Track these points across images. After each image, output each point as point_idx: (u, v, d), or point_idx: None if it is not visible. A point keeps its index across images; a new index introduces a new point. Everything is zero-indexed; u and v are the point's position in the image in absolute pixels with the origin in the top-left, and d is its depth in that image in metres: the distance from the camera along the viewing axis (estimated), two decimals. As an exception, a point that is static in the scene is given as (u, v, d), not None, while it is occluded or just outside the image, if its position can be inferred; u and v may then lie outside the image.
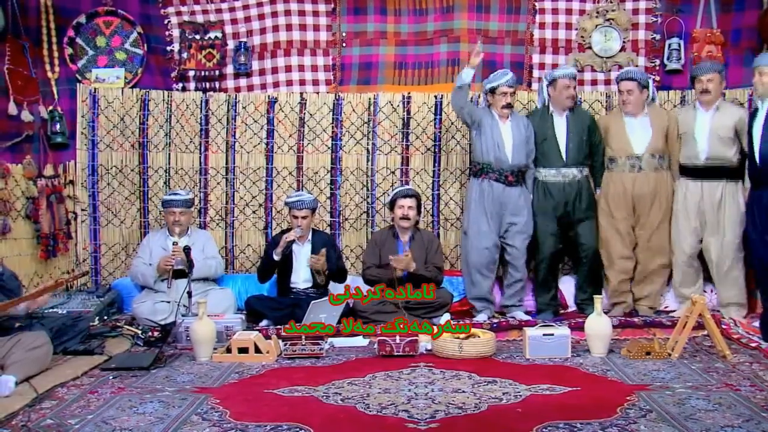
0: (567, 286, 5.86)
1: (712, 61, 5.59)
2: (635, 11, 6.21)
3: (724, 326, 5.00)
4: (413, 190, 5.70)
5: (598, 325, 4.54)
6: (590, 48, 6.22)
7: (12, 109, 5.67)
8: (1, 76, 5.63)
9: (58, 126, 6.08)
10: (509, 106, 5.47)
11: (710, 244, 5.39)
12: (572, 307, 5.78)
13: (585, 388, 3.82)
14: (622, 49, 6.20)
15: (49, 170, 6.03)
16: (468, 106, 5.48)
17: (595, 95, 6.19)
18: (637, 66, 6.10)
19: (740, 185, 5.32)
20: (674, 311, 5.52)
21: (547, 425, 3.22)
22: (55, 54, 6.15)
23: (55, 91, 6.15)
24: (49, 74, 6.13)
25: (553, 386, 3.83)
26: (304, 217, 5.50)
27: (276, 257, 5.47)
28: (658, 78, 6.14)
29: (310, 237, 5.63)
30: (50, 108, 6.08)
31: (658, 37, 6.18)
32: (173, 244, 5.42)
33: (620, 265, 5.55)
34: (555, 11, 6.25)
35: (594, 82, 6.25)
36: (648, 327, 5.16)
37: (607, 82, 6.18)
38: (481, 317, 5.46)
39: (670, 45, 6.11)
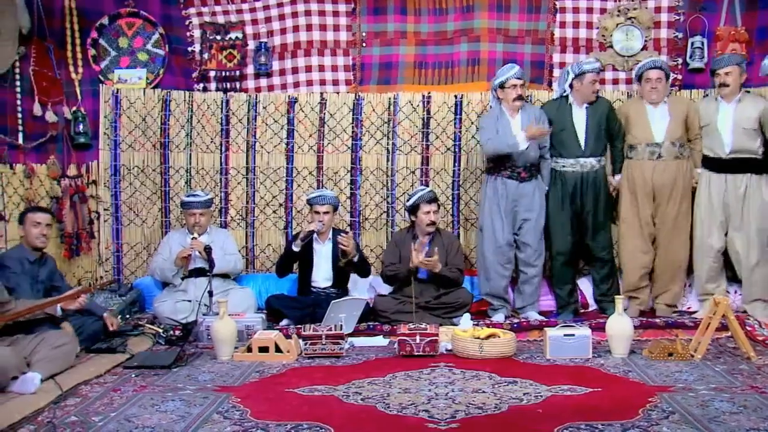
0: (587, 285, 5.82)
1: (731, 54, 5.53)
2: (657, 9, 6.14)
3: (748, 327, 4.93)
4: (434, 192, 5.67)
5: (620, 326, 4.52)
6: (611, 47, 6.16)
7: (37, 109, 5.74)
8: (27, 78, 5.70)
9: (81, 126, 6.14)
10: (520, 98, 5.45)
11: (735, 238, 5.34)
12: (593, 306, 5.74)
13: (606, 389, 3.81)
14: (644, 47, 6.13)
15: (72, 170, 6.09)
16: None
17: (617, 94, 6.13)
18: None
19: (764, 178, 5.27)
20: (696, 312, 5.47)
21: (568, 426, 3.22)
22: (79, 55, 6.20)
23: (78, 92, 6.20)
24: (73, 75, 6.19)
25: (574, 387, 3.82)
26: (325, 213, 5.51)
27: (295, 248, 5.49)
28: (680, 77, 6.10)
29: (330, 236, 5.63)
30: (74, 108, 6.13)
31: (680, 35, 6.11)
32: (192, 239, 5.47)
33: (639, 258, 5.50)
34: (576, 10, 6.20)
35: (615, 81, 6.20)
36: (670, 328, 5.12)
37: (629, 81, 6.11)
38: (498, 317, 5.44)
39: (693, 43, 6.04)
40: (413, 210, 5.53)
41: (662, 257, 5.52)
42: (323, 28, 6.33)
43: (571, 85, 5.50)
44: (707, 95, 5.92)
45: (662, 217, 5.47)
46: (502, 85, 5.48)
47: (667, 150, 5.41)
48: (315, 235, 5.56)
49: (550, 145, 5.55)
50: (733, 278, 5.51)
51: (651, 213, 5.49)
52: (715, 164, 5.37)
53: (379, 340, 4.97)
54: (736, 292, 5.51)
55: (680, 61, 6.12)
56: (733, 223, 5.33)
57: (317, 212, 5.52)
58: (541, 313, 5.57)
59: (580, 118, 5.49)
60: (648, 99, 5.45)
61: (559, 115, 5.52)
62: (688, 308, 5.61)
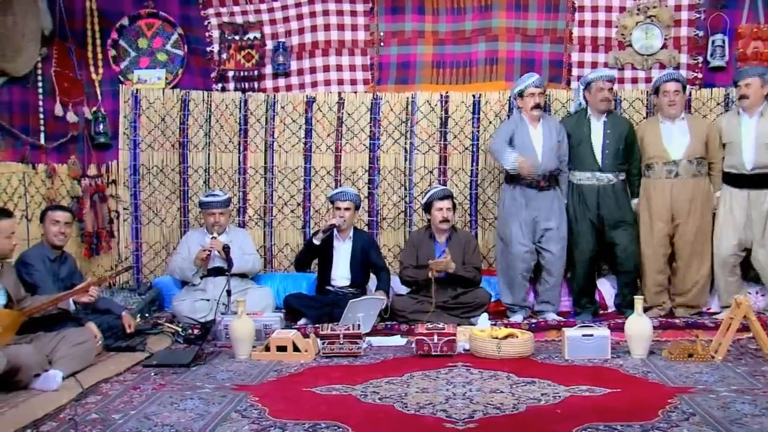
0: (606, 287, 5.78)
1: (751, 66, 5.47)
2: (677, 8, 6.07)
3: (770, 329, 4.87)
4: (448, 190, 5.67)
5: (639, 326, 4.48)
6: (630, 46, 6.09)
7: (58, 110, 5.79)
8: (48, 79, 5.75)
9: (101, 126, 6.19)
10: (538, 106, 5.43)
11: (758, 254, 5.26)
12: (611, 308, 5.69)
13: (625, 389, 3.78)
14: (664, 46, 6.07)
15: (92, 170, 6.14)
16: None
17: (636, 93, 6.09)
18: (679, 64, 6.01)
19: None
20: (717, 313, 5.41)
21: (586, 427, 3.19)
22: (99, 56, 6.26)
23: (98, 93, 6.25)
24: (93, 76, 6.24)
25: (593, 387, 3.80)
26: (347, 209, 5.53)
27: (316, 241, 5.50)
28: (700, 75, 6.03)
29: (351, 235, 5.64)
30: (94, 109, 6.19)
31: (701, 33, 6.03)
32: (211, 239, 5.49)
33: (655, 278, 5.47)
34: (594, 8, 6.15)
35: (634, 80, 6.14)
36: (690, 328, 5.07)
37: (648, 81, 6.03)
38: (516, 317, 5.43)
39: (713, 42, 5.96)
40: (428, 208, 5.54)
41: (683, 275, 5.47)
42: (341, 27, 6.33)
43: (586, 98, 5.50)
44: (728, 94, 5.86)
45: (682, 236, 5.41)
46: (521, 94, 5.45)
47: (685, 168, 5.35)
48: (336, 232, 5.57)
49: (568, 159, 5.52)
50: (755, 279, 5.45)
51: (668, 233, 5.43)
52: (737, 180, 5.29)
53: (397, 340, 4.96)
54: (757, 292, 5.45)
55: (700, 59, 6.05)
56: (757, 238, 5.24)
57: (338, 209, 5.53)
58: (559, 313, 5.54)
59: (597, 132, 5.45)
60: (666, 113, 5.39)
61: (577, 129, 5.49)
62: (708, 309, 5.55)
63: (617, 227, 5.45)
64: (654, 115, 5.73)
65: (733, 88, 5.37)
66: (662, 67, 5.98)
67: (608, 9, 6.15)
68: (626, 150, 5.46)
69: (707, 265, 5.44)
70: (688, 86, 5.75)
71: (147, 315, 5.49)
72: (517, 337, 4.57)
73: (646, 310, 5.14)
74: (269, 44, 6.38)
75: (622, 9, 6.12)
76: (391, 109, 6.26)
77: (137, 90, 6.32)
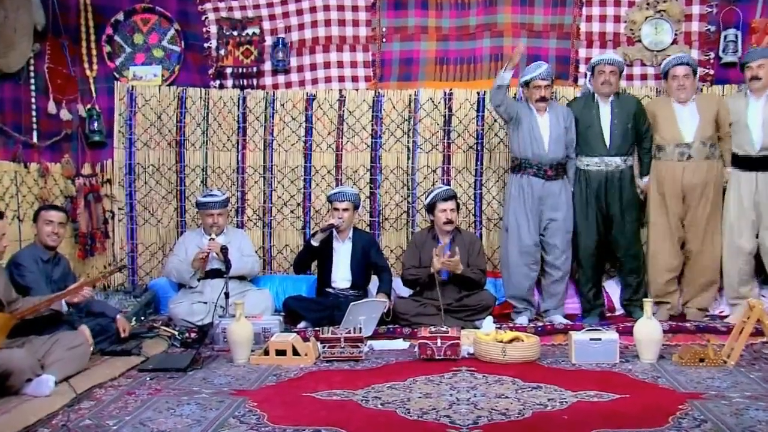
0: (614, 289, 5.71)
1: (763, 47, 5.41)
2: (688, 2, 5.99)
3: (784, 332, 4.78)
4: (452, 190, 5.60)
5: (648, 330, 4.42)
6: (640, 41, 6.02)
7: (51, 107, 5.74)
8: (42, 75, 5.69)
9: (95, 124, 6.13)
10: (543, 99, 5.35)
11: (765, 239, 5.18)
12: (620, 310, 5.62)
13: (634, 395, 3.74)
14: (674, 41, 5.99)
15: (87, 169, 6.10)
16: (506, 102, 5.35)
17: (645, 90, 6.00)
18: (689, 59, 5.94)
19: None
20: (728, 316, 5.33)
21: (594, 434, 3.15)
22: (94, 52, 6.20)
23: (93, 90, 6.20)
24: (88, 72, 6.19)
25: (601, 393, 3.75)
26: (345, 209, 5.45)
27: (314, 242, 5.44)
28: (712, 71, 5.95)
29: (350, 235, 5.57)
30: (88, 106, 6.13)
31: (713, 28, 5.96)
32: (209, 240, 5.42)
33: (667, 263, 5.38)
34: (603, 3, 6.08)
35: (644, 77, 6.06)
36: (701, 332, 4.99)
37: (658, 77, 5.96)
38: (521, 319, 5.36)
39: (726, 37, 5.88)
40: (431, 209, 5.46)
41: (693, 261, 5.39)
42: (342, 23, 6.27)
43: (591, 83, 5.48)
44: (740, 90, 5.77)
45: (692, 220, 5.34)
46: (527, 84, 5.39)
47: (697, 150, 5.28)
48: (335, 233, 5.50)
49: (576, 143, 5.43)
50: (767, 282, 5.36)
51: (680, 216, 5.36)
52: (744, 162, 5.24)
53: (399, 344, 4.91)
54: (771, 294, 5.38)
55: (712, 55, 5.97)
56: (764, 222, 5.19)
57: (336, 209, 5.46)
58: (566, 316, 5.47)
59: (605, 114, 5.39)
60: (676, 97, 5.33)
61: (585, 112, 5.43)
62: (720, 312, 5.48)
63: (621, 218, 5.38)
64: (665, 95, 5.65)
65: (742, 70, 5.27)
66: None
67: (617, 3, 6.08)
68: (635, 128, 5.39)
69: (718, 250, 5.35)
70: (699, 83, 5.69)
71: (142, 318, 5.45)
72: (523, 340, 4.52)
73: (655, 305, 5.08)
74: (268, 40, 6.32)
75: (631, 4, 6.06)
76: (394, 107, 6.18)
77: (133, 87, 6.25)
